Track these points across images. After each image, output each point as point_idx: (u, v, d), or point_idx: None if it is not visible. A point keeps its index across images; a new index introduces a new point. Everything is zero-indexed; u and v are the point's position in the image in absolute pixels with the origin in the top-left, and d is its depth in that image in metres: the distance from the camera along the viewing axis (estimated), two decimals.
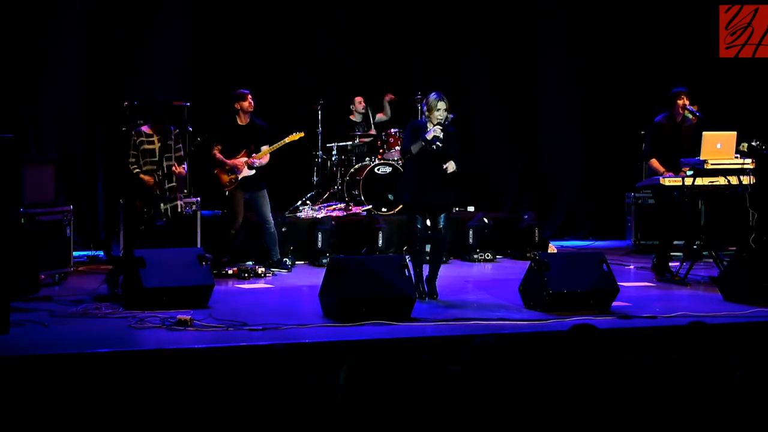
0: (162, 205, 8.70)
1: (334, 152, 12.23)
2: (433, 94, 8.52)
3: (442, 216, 8.57)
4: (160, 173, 8.71)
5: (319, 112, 12.29)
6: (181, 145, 8.90)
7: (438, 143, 8.41)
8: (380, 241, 10.91)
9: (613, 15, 13.31)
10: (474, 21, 13.23)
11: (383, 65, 13.05)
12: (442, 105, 8.40)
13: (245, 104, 10.00)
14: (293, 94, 12.65)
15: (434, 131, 8.35)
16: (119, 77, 11.44)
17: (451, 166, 8.38)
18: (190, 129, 10.49)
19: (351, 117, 12.61)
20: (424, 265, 8.65)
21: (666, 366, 4.49)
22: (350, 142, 12.28)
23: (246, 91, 10.04)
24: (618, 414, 4.08)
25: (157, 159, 8.72)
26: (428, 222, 8.64)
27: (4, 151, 7.45)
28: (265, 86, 12.21)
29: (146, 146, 8.74)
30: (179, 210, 8.84)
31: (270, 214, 10.13)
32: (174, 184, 8.78)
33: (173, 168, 8.73)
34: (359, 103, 12.53)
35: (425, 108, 8.55)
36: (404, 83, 12.82)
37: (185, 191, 10.05)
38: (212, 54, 12.16)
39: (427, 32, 13.15)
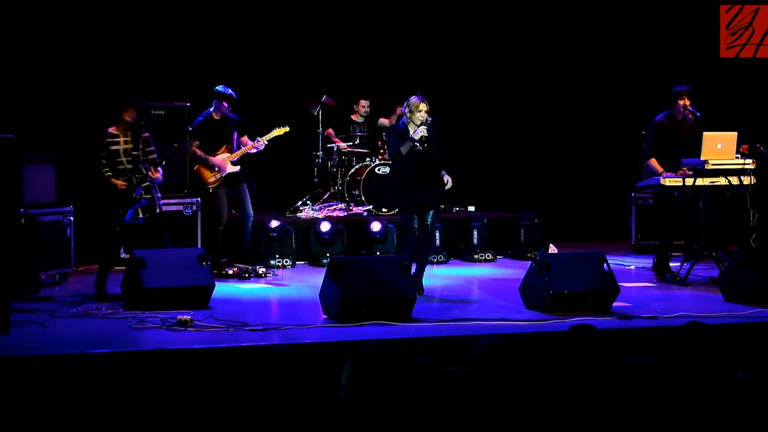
0: (139, 209, 8.62)
1: (335, 152, 12.22)
2: (414, 96, 8.75)
3: (431, 213, 8.74)
4: (132, 175, 8.61)
5: (320, 112, 12.28)
6: (153, 148, 8.78)
7: (424, 143, 8.59)
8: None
9: (613, 14, 13.32)
10: (475, 21, 13.23)
11: (384, 66, 13.05)
12: (423, 106, 8.64)
13: (226, 106, 9.95)
14: (293, 93, 12.65)
15: (421, 131, 8.58)
16: (119, 77, 11.44)
17: (449, 183, 8.72)
18: (191, 129, 10.49)
19: (352, 117, 12.61)
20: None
21: (667, 367, 4.49)
22: (349, 143, 12.29)
23: (234, 95, 9.97)
24: (618, 415, 4.07)
25: (121, 159, 8.63)
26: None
27: (4, 151, 7.46)
28: (266, 86, 12.24)
29: (112, 147, 8.65)
30: (157, 210, 8.77)
31: (251, 208, 10.09)
32: (148, 184, 8.64)
33: (150, 173, 8.61)
34: (363, 106, 12.52)
35: (406, 110, 8.72)
36: (405, 84, 12.82)
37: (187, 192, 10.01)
38: (212, 54, 12.16)
39: (428, 33, 13.15)
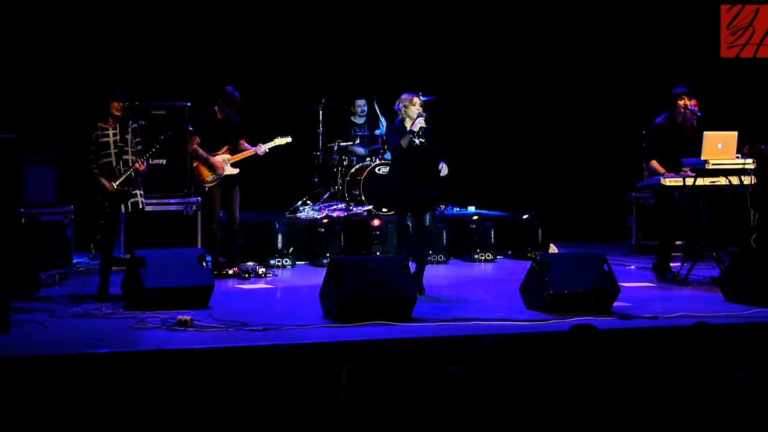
0: (121, 204, 8.63)
1: (335, 152, 12.21)
2: (404, 94, 8.88)
3: (428, 214, 8.77)
4: (119, 167, 8.61)
5: (320, 112, 12.27)
6: (140, 140, 8.78)
7: (423, 136, 8.67)
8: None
9: (614, 14, 13.31)
10: (475, 21, 13.22)
11: (384, 66, 13.04)
12: (417, 100, 8.79)
13: (228, 109, 9.96)
14: (293, 93, 12.64)
15: (419, 122, 8.66)
16: (120, 77, 11.43)
17: (444, 170, 8.78)
18: (191, 128, 10.48)
19: (352, 118, 12.60)
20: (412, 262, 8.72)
21: (667, 367, 4.49)
22: (351, 143, 12.29)
23: (238, 96, 9.98)
24: (618, 415, 4.07)
25: (110, 151, 8.62)
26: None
27: (5, 151, 7.46)
28: (266, 86, 12.23)
29: (102, 139, 8.64)
30: (140, 207, 8.75)
31: (238, 212, 10.07)
32: (131, 177, 8.63)
33: (136, 165, 8.62)
34: (359, 106, 12.52)
35: (400, 107, 8.83)
36: (405, 85, 12.80)
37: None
38: (212, 54, 12.15)
39: (428, 33, 13.15)
